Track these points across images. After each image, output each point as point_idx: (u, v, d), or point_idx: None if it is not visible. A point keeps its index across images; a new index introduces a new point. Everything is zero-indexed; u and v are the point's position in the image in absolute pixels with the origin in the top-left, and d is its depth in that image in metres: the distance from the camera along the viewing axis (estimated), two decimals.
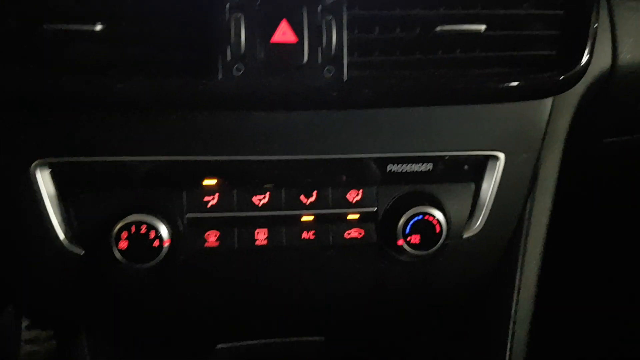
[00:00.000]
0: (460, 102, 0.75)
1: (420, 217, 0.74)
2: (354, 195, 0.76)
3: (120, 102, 0.67)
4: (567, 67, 0.74)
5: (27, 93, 0.65)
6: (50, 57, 0.64)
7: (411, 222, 0.74)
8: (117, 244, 0.69)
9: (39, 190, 0.70)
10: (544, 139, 0.81)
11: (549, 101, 0.80)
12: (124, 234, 0.69)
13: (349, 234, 0.77)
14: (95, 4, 0.64)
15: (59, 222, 0.72)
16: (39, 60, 0.64)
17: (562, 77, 0.74)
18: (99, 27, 0.64)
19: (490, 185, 0.79)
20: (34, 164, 0.69)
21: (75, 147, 0.69)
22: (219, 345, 1.01)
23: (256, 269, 0.79)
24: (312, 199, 0.76)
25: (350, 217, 0.77)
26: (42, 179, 0.70)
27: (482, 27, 0.71)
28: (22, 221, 0.72)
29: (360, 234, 0.77)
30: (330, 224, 0.77)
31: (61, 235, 0.72)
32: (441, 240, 0.75)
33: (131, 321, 0.86)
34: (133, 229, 0.69)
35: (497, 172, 0.78)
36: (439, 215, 0.75)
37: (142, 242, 0.69)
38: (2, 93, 0.65)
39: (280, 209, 0.75)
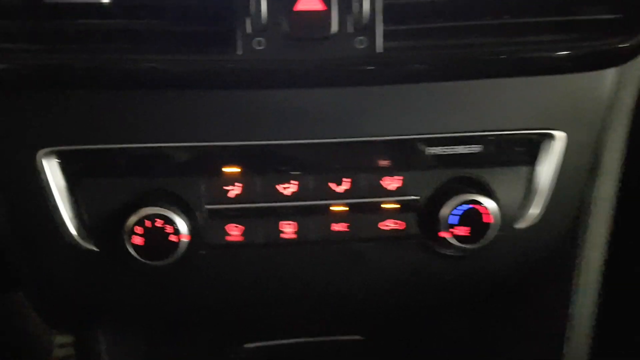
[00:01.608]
0: (510, 74, 0.69)
1: (468, 206, 0.69)
2: (391, 182, 0.72)
3: (129, 81, 0.64)
4: (632, 31, 0.67)
5: (30, 72, 0.63)
6: (53, 33, 0.62)
7: (457, 212, 0.69)
8: (131, 240, 0.66)
9: (47, 182, 0.67)
10: (606, 115, 0.75)
11: (612, 72, 0.73)
12: (139, 229, 0.66)
13: (385, 225, 0.72)
14: None
15: (69, 217, 0.69)
16: (41, 37, 0.62)
17: (627, 43, 0.67)
18: (106, 0, 0.61)
19: (546, 169, 0.73)
20: (40, 152, 0.66)
21: (84, 133, 0.66)
22: (246, 345, 0.98)
23: (283, 264, 0.75)
24: (345, 186, 0.71)
25: (387, 206, 0.72)
26: (50, 169, 0.67)
27: None
28: (29, 216, 0.70)
29: (399, 225, 0.73)
30: (364, 214, 0.72)
31: (72, 231, 0.70)
32: (491, 232, 0.70)
33: (149, 320, 0.84)
34: (148, 223, 0.66)
35: (554, 153, 0.72)
36: (489, 203, 0.69)
37: (158, 238, 0.66)
38: (5, 73, 0.62)
39: (308, 199, 0.71)
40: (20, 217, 0.71)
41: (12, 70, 0.63)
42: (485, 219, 0.69)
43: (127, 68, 0.62)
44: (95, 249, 0.71)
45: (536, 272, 0.81)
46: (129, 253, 0.67)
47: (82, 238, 0.70)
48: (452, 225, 0.69)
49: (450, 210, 0.69)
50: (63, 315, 0.85)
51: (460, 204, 0.68)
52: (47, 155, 0.67)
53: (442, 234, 0.69)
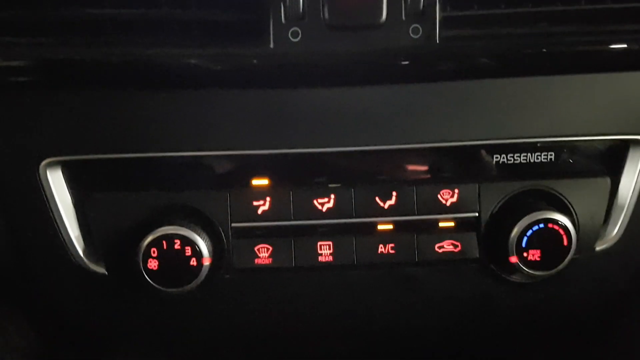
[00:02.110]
0: (587, 69, 0.61)
1: (542, 225, 0.59)
2: (447, 196, 0.63)
3: (144, 78, 0.57)
4: None
5: (33, 69, 0.57)
6: (59, 24, 0.55)
7: (529, 233, 0.60)
8: (145, 264, 0.58)
9: (51, 196, 0.61)
10: None
11: None
12: (154, 251, 0.58)
13: (440, 247, 0.64)
14: None
15: (75, 236, 0.62)
16: (46, 28, 0.56)
17: None
18: None
19: (632, 180, 0.64)
20: (43, 163, 0.59)
21: (92, 141, 0.60)
22: None
23: (319, 292, 0.67)
24: (391, 201, 0.63)
25: (442, 224, 0.64)
26: (54, 182, 0.61)
27: None
28: (32, 233, 0.63)
29: (457, 247, 0.64)
30: (415, 234, 0.64)
31: (79, 251, 0.63)
32: (569, 256, 0.61)
33: (164, 350, 0.76)
34: (165, 244, 0.58)
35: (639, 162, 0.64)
36: (565, 222, 0.60)
37: (177, 261, 0.58)
38: (5, 69, 0.56)
39: (349, 216, 0.63)
40: (22, 235, 0.64)
41: (14, 66, 0.57)
42: (562, 241, 0.59)
43: (143, 63, 0.56)
44: (104, 272, 0.64)
45: (618, 301, 0.71)
46: (143, 278, 0.59)
47: (90, 259, 0.64)
48: (523, 249, 0.60)
49: (522, 230, 0.59)
50: (66, 341, 0.78)
51: (533, 224, 0.59)
52: (51, 166, 0.60)
53: (511, 259, 0.60)
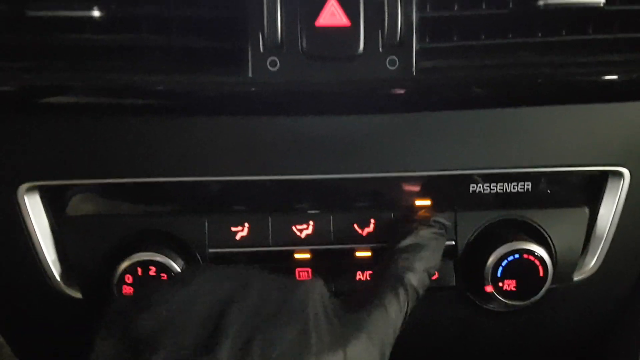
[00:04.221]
0: (568, 100, 0.62)
1: (517, 255, 0.61)
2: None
3: (123, 105, 0.58)
4: None
5: (12, 95, 0.57)
6: (38, 51, 0.56)
7: (504, 263, 0.61)
8: (120, 290, 0.59)
9: (28, 221, 0.62)
10: None
11: None
12: (128, 278, 0.59)
13: None
14: None
15: (52, 260, 0.64)
16: (25, 55, 0.56)
17: None
18: (96, 13, 0.55)
19: (610, 211, 0.66)
20: (20, 188, 0.60)
21: (68, 167, 0.60)
22: None
23: None
24: (369, 228, 0.65)
25: None
26: (31, 207, 0.62)
27: None
28: (8, 257, 0.64)
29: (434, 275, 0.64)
30: None
31: (55, 276, 0.64)
32: (545, 287, 0.62)
33: None
34: (140, 270, 0.59)
35: (620, 193, 0.65)
36: (542, 253, 0.61)
37: None
38: None
39: (328, 242, 0.65)
40: None
41: None
42: (538, 272, 0.61)
43: (121, 89, 0.57)
44: (80, 296, 0.65)
45: (596, 332, 0.72)
46: None
47: (66, 284, 0.65)
48: (498, 278, 0.61)
49: (497, 260, 0.61)
50: None
51: (509, 254, 0.61)
52: (29, 190, 0.61)
53: (487, 288, 0.61)
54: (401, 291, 0.53)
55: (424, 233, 0.59)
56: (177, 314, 0.44)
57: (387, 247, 0.60)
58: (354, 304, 0.50)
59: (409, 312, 0.53)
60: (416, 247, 0.58)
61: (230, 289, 0.47)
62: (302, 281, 0.51)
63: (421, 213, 0.64)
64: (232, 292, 0.46)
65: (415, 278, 0.55)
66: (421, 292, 0.56)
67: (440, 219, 0.62)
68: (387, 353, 0.50)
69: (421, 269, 0.56)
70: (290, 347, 0.43)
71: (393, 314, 0.51)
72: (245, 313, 0.45)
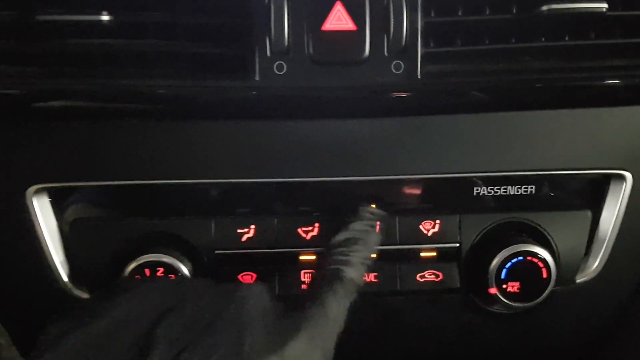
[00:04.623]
0: (571, 104, 0.63)
1: (521, 258, 0.62)
2: (429, 227, 0.65)
3: (131, 109, 0.58)
4: None
5: (22, 99, 0.58)
6: (47, 56, 0.57)
7: (508, 265, 0.62)
8: None
9: (37, 222, 0.62)
10: None
11: None
12: (137, 278, 0.60)
13: (421, 277, 0.66)
14: None
15: (60, 261, 0.64)
16: (34, 59, 0.57)
17: None
18: (105, 18, 0.56)
19: (612, 214, 0.67)
20: (29, 190, 0.61)
21: (77, 169, 0.61)
22: None
23: None
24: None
25: (424, 254, 0.66)
26: (40, 208, 0.62)
27: (604, 5, 0.58)
28: (17, 258, 0.65)
29: (438, 277, 0.66)
30: (397, 263, 0.66)
31: (63, 276, 0.65)
32: (549, 289, 0.63)
33: None
34: (147, 272, 0.60)
35: (623, 196, 0.66)
36: (545, 255, 0.62)
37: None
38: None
39: None
40: (7, 259, 0.66)
41: (3, 96, 0.58)
42: (541, 274, 0.62)
43: (130, 94, 0.58)
44: (87, 297, 0.65)
45: (599, 333, 0.72)
46: None
47: (74, 285, 0.65)
48: (502, 280, 0.62)
49: (501, 262, 0.62)
50: None
51: (513, 256, 0.61)
52: (38, 192, 0.62)
53: (491, 290, 0.62)
54: (339, 286, 0.54)
55: (356, 226, 0.60)
56: (107, 333, 0.44)
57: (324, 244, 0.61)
58: (294, 305, 0.51)
59: (348, 305, 0.54)
60: (350, 241, 0.59)
61: (162, 303, 0.47)
62: (241, 287, 0.51)
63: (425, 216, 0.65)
64: (164, 306, 0.46)
65: (353, 271, 0.56)
66: (360, 283, 0.57)
67: (373, 209, 0.63)
68: (330, 350, 0.51)
69: (357, 261, 0.57)
70: (223, 356, 0.43)
71: (332, 310, 0.52)
72: (177, 326, 0.45)
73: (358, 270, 0.57)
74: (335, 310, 0.52)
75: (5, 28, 0.56)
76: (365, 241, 0.59)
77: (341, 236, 0.59)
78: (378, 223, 0.62)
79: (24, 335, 0.74)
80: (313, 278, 0.58)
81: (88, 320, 0.45)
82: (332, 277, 0.55)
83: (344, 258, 0.57)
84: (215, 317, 0.46)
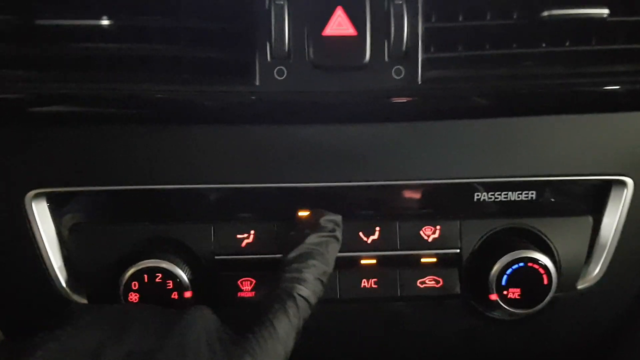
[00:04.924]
0: (572, 110, 0.62)
1: (522, 264, 0.61)
2: (429, 233, 0.65)
3: (131, 113, 0.58)
4: None
5: (22, 103, 0.58)
6: (48, 60, 0.57)
7: (509, 271, 0.61)
8: (126, 296, 0.60)
9: (35, 227, 0.62)
10: None
11: None
12: (135, 284, 0.59)
13: (422, 282, 0.66)
14: None
15: (58, 266, 0.64)
16: (35, 63, 0.57)
17: None
18: (105, 22, 0.55)
19: (614, 220, 0.66)
20: (28, 195, 0.61)
21: (76, 174, 0.61)
22: None
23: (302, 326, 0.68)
24: (374, 236, 0.65)
25: (424, 260, 0.66)
26: (38, 213, 0.62)
27: (605, 11, 0.58)
28: (16, 263, 0.65)
29: (438, 282, 0.66)
30: (398, 269, 0.66)
31: (61, 282, 0.64)
32: (550, 295, 0.62)
33: None
34: (146, 277, 0.59)
35: (624, 202, 0.66)
36: (546, 261, 0.62)
37: (158, 295, 0.60)
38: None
39: None
40: (6, 263, 0.65)
41: (4, 100, 0.58)
42: (542, 280, 0.61)
43: (131, 98, 0.57)
44: (85, 302, 0.65)
45: (601, 339, 0.72)
46: None
47: (72, 290, 0.65)
48: (503, 287, 0.62)
49: (502, 268, 0.61)
50: None
51: (513, 262, 0.61)
52: (37, 197, 0.62)
53: (491, 296, 0.62)
54: (291, 305, 0.53)
55: (312, 239, 0.59)
56: None
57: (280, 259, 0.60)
58: (242, 327, 0.50)
59: (301, 323, 0.54)
60: (305, 256, 0.57)
61: (105, 333, 0.46)
62: (188, 312, 0.50)
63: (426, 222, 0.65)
64: (106, 338, 0.46)
65: (306, 288, 0.55)
66: (314, 300, 0.56)
67: (330, 216, 0.62)
68: None
69: (312, 277, 0.56)
70: None
71: (282, 331, 0.51)
72: (118, 356, 0.44)
73: (312, 287, 0.56)
74: (286, 331, 0.51)
75: (6, 32, 0.56)
76: (322, 254, 0.58)
77: (295, 252, 0.58)
78: (337, 231, 0.61)
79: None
80: (264, 297, 0.55)
81: (25, 355, 0.43)
82: (284, 297, 0.54)
83: (297, 275, 0.56)
84: (158, 344, 0.46)
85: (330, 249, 0.59)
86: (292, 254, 0.58)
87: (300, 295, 0.54)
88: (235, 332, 0.50)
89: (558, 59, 0.60)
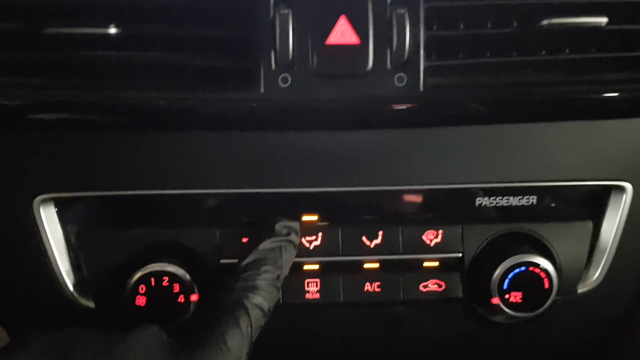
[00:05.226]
0: (571, 117, 0.63)
1: (523, 268, 0.62)
2: (431, 237, 0.66)
3: (137, 120, 0.59)
4: None
5: (28, 109, 0.59)
6: (54, 67, 0.58)
7: (511, 275, 0.62)
8: (134, 300, 0.61)
9: (43, 232, 0.63)
10: None
11: None
12: (142, 288, 0.60)
13: (424, 286, 0.66)
14: (106, 4, 0.56)
15: (65, 270, 0.65)
16: (41, 70, 0.58)
17: None
18: (112, 30, 0.57)
19: (613, 225, 0.67)
20: (36, 200, 0.62)
21: (83, 179, 0.62)
22: None
23: (305, 328, 0.69)
24: (378, 240, 0.66)
25: (427, 264, 0.67)
26: (46, 218, 0.63)
27: (604, 19, 0.59)
28: (24, 267, 0.66)
29: (440, 286, 0.66)
30: (400, 273, 0.67)
31: (69, 285, 0.66)
32: (550, 298, 0.63)
33: None
34: (153, 281, 0.61)
35: (623, 207, 0.66)
36: (547, 265, 0.63)
37: (165, 298, 0.61)
38: (4, 110, 0.58)
39: (336, 254, 0.66)
40: (14, 268, 0.67)
41: (8, 107, 0.58)
42: (543, 284, 0.62)
43: (136, 105, 0.58)
44: (92, 306, 0.66)
45: (600, 344, 0.73)
46: (131, 313, 0.61)
47: (79, 293, 0.66)
48: (505, 291, 0.63)
49: (503, 272, 0.62)
50: None
51: (515, 267, 0.62)
52: (45, 202, 0.63)
53: (493, 300, 0.63)
54: (242, 316, 0.52)
55: (264, 245, 0.59)
56: None
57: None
58: (192, 342, 0.50)
59: (256, 333, 0.53)
60: (257, 263, 0.57)
61: (47, 358, 0.46)
62: (135, 330, 0.50)
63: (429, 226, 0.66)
64: None
65: (259, 296, 0.55)
66: (267, 307, 0.55)
67: (286, 222, 0.62)
68: None
69: (264, 284, 0.56)
70: None
71: (234, 344, 0.50)
72: None
73: (266, 294, 0.55)
74: (238, 344, 0.51)
75: (10, 39, 0.57)
76: (274, 260, 0.58)
77: (248, 259, 0.58)
78: (292, 235, 0.61)
79: None
80: (212, 307, 0.55)
81: None
82: (235, 307, 0.53)
83: (250, 283, 0.55)
84: None
85: (285, 254, 0.59)
86: (244, 262, 0.58)
87: (253, 304, 0.54)
88: (185, 347, 0.49)
89: (557, 67, 0.61)
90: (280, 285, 0.59)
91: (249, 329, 0.53)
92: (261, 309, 0.55)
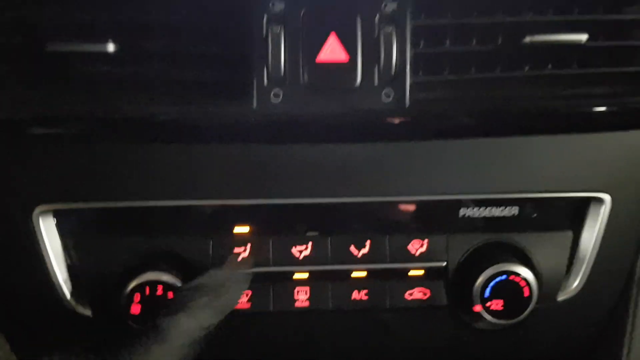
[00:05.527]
0: (553, 130, 0.65)
1: (504, 277, 0.64)
2: (417, 246, 0.68)
3: (134, 133, 0.61)
4: None
5: (29, 123, 0.60)
6: (55, 82, 0.59)
7: (492, 284, 0.65)
8: (129, 308, 0.62)
9: (42, 242, 0.65)
10: None
11: None
12: (137, 296, 0.62)
13: (410, 294, 0.69)
14: (106, 21, 0.58)
15: (63, 279, 0.67)
16: (43, 85, 0.59)
17: None
18: (112, 47, 0.58)
19: (592, 235, 0.69)
20: (35, 211, 0.64)
21: (82, 191, 0.64)
22: None
23: (295, 336, 0.71)
24: (365, 250, 0.68)
25: (412, 273, 0.69)
26: (45, 228, 0.65)
27: (584, 36, 0.61)
28: (22, 276, 0.67)
29: (425, 294, 0.69)
30: (387, 281, 0.69)
31: (66, 294, 0.67)
32: (530, 306, 0.65)
33: None
34: (148, 289, 0.62)
35: (602, 218, 0.69)
36: (527, 274, 0.65)
37: (159, 306, 0.62)
38: (2, 123, 0.60)
39: (325, 263, 0.68)
40: (12, 277, 0.68)
41: (10, 120, 0.60)
42: (523, 292, 0.65)
43: (132, 118, 0.60)
44: (90, 314, 0.68)
45: (579, 350, 0.75)
46: (127, 321, 0.63)
47: (77, 302, 0.68)
48: (486, 298, 0.65)
49: (485, 281, 0.65)
50: None
51: (496, 275, 0.64)
52: (43, 213, 0.64)
53: (475, 307, 0.65)
54: (160, 341, 0.51)
55: (214, 273, 0.59)
56: None
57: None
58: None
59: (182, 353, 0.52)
60: (201, 288, 0.57)
61: None
62: None
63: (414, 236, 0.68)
64: None
65: (187, 320, 0.53)
66: (194, 334, 0.53)
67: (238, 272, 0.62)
68: None
69: (196, 306, 0.54)
70: None
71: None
72: None
73: (196, 318, 0.54)
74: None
75: (10, 54, 0.59)
76: (217, 294, 0.57)
77: (195, 282, 0.58)
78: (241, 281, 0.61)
79: (27, 351, 0.76)
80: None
81: None
82: (155, 332, 0.51)
83: (179, 306, 0.54)
84: None
85: (232, 292, 0.59)
86: (190, 283, 0.58)
87: (177, 325, 0.52)
88: None
89: (540, 82, 0.63)
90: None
91: (167, 356, 0.51)
92: (186, 334, 0.53)
